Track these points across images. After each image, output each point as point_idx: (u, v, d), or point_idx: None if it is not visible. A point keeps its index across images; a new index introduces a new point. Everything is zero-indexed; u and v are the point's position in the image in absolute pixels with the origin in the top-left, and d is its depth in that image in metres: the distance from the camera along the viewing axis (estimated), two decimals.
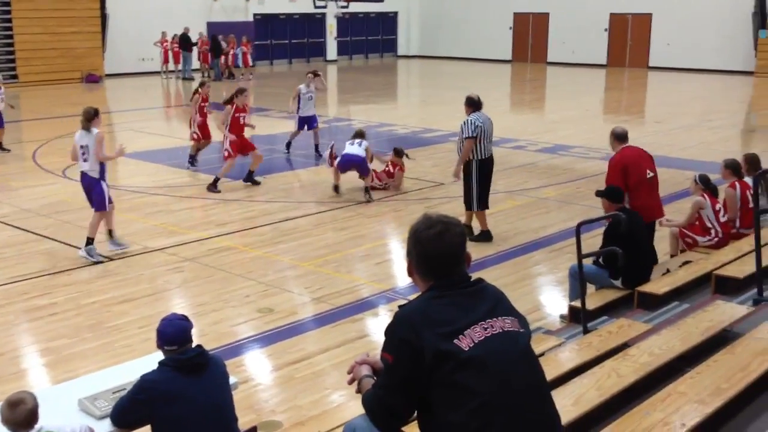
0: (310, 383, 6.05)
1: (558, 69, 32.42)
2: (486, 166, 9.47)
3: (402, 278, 8.26)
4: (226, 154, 12.36)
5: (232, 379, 4.18)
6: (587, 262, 6.76)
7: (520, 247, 9.46)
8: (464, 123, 9.32)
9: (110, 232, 9.21)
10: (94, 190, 8.89)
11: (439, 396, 2.49)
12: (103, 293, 7.91)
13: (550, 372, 4.33)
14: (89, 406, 3.95)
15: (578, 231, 6.01)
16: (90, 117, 8.80)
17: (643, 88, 27.73)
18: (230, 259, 8.98)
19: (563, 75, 30.75)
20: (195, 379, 3.78)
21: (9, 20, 26.05)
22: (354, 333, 7.01)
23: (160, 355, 3.95)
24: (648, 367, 3.93)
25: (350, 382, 2.89)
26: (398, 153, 12.60)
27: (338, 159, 11.95)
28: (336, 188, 11.94)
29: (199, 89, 13.85)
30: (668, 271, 7.01)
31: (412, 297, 2.74)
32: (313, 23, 35.46)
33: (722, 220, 7.75)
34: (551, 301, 7.84)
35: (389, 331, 2.59)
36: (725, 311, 4.70)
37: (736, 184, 7.89)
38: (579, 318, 5.89)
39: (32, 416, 3.55)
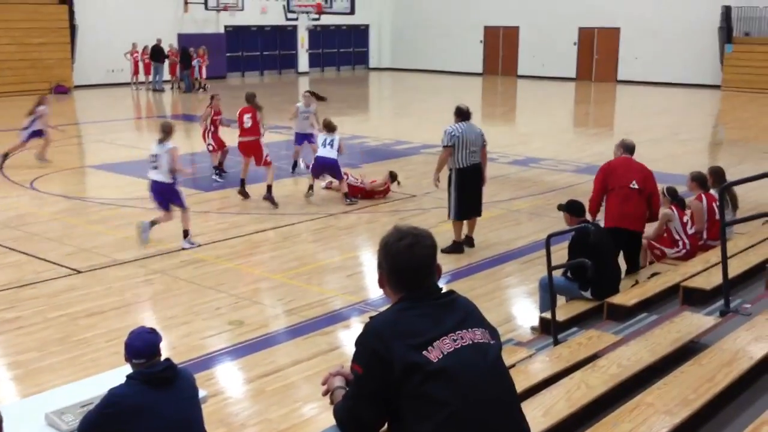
0: (281, 396, 6.02)
1: (528, 82, 32.72)
2: (465, 176, 9.46)
3: (374, 290, 8.26)
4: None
5: (201, 393, 4.14)
6: (557, 273, 6.82)
7: (492, 259, 9.51)
8: (444, 132, 9.50)
9: (185, 232, 9.96)
10: (174, 194, 9.80)
11: (408, 407, 2.49)
12: (70, 306, 7.81)
13: (521, 383, 4.35)
14: (56, 421, 3.90)
15: (548, 243, 6.06)
16: (167, 131, 9.68)
17: (611, 102, 28.07)
18: (201, 271, 8.92)
19: (533, 88, 31.04)
20: (164, 392, 3.74)
21: None
22: (325, 345, 6.99)
23: (128, 369, 3.90)
24: (617, 379, 3.96)
25: (324, 394, 2.89)
26: (393, 177, 12.63)
27: (312, 163, 12.16)
28: (311, 188, 12.37)
29: (211, 102, 13.91)
30: (637, 282, 7.08)
31: (384, 309, 2.74)
32: (284, 35, 35.46)
33: (690, 232, 7.85)
34: (522, 312, 7.88)
35: (359, 343, 2.59)
36: (693, 322, 4.75)
37: (703, 196, 8.01)
38: (549, 329, 5.92)
39: None
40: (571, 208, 7.06)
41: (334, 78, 35.84)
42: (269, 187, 11.97)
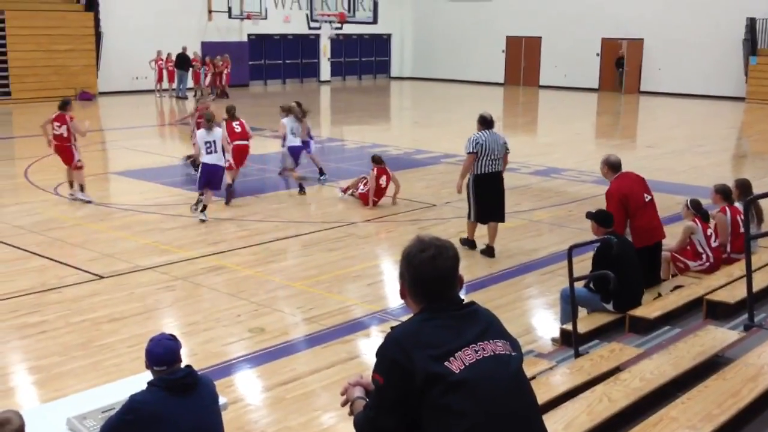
0: (301, 404, 6.01)
1: (550, 92, 32.62)
2: (485, 182, 9.65)
3: (394, 299, 8.25)
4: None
5: (221, 400, 4.15)
6: (579, 285, 6.78)
7: (513, 269, 9.46)
8: (468, 139, 9.69)
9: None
10: (221, 175, 11.69)
11: (429, 418, 2.48)
12: (93, 311, 7.86)
13: (542, 396, 4.32)
14: (78, 426, 3.92)
15: (570, 254, 6.02)
16: (211, 119, 11.61)
17: (634, 113, 27.91)
18: (221, 278, 8.95)
19: (555, 98, 30.94)
20: (184, 399, 3.75)
21: (3, 37, 26.07)
22: (345, 354, 6.98)
23: (149, 375, 3.92)
24: (639, 392, 3.92)
25: (343, 404, 2.89)
26: (376, 160, 12.63)
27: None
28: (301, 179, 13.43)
29: (197, 105, 14.37)
30: (660, 295, 7.02)
31: (404, 318, 2.74)
32: (307, 44, 35.62)
33: (713, 245, 7.77)
34: (543, 323, 7.84)
35: (380, 353, 2.59)
36: (716, 336, 4.70)
37: (727, 209, 7.93)
38: (570, 341, 5.88)
39: None
40: (600, 218, 6.98)
41: (355, 87, 35.93)
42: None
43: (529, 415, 2.60)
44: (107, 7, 28.28)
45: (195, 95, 28.56)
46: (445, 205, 12.51)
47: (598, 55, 32.79)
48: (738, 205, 7.88)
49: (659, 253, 7.70)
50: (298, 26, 34.40)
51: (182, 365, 3.91)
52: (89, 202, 12.31)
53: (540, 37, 34.44)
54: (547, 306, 8.25)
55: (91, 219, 11.57)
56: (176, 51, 28.52)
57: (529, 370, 5.27)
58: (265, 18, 32.64)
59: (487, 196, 9.71)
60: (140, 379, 4.09)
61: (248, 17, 32.13)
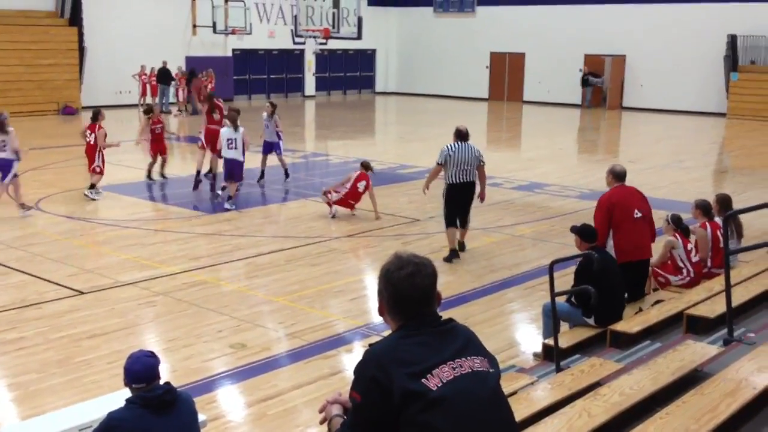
0: (282, 420, 5.98)
1: (534, 108, 32.81)
2: (454, 191, 10.23)
3: (376, 314, 8.20)
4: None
5: (201, 417, 4.13)
6: (561, 300, 6.80)
7: (495, 284, 9.48)
8: (440, 149, 10.26)
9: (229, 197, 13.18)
10: (241, 169, 13.28)
11: None
12: (72, 327, 7.80)
13: (523, 411, 4.32)
14: None
15: (551, 269, 6.05)
16: (235, 119, 13.09)
17: (617, 128, 28.12)
18: (203, 293, 8.91)
19: (539, 114, 31.12)
20: (163, 417, 3.73)
21: None
22: (327, 369, 6.96)
23: (128, 392, 3.89)
24: (619, 407, 3.93)
25: (322, 422, 2.87)
26: (366, 167, 12.75)
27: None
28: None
29: (151, 115, 15.37)
30: (641, 309, 7.05)
31: (386, 333, 2.74)
32: (292, 59, 35.68)
33: (694, 260, 7.82)
34: (525, 338, 7.84)
35: (358, 370, 2.58)
36: (696, 351, 4.72)
37: (707, 224, 7.99)
38: (552, 356, 5.89)
39: None
40: (583, 233, 7.00)
41: (340, 102, 35.99)
42: None
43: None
44: (91, 22, 28.22)
45: (179, 110, 28.53)
46: (429, 220, 12.53)
47: (581, 71, 33.04)
48: (718, 220, 7.94)
49: (646, 269, 7.70)
50: (282, 41, 34.46)
51: (161, 382, 3.88)
52: (93, 199, 13.67)
53: (524, 53, 34.68)
54: (529, 321, 8.26)
55: (72, 234, 11.49)
56: (160, 66, 28.49)
57: (510, 385, 5.28)
58: (250, 33, 32.68)
59: (454, 204, 10.28)
60: (119, 396, 4.06)
61: (233, 32, 32.15)
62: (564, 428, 3.72)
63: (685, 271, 7.79)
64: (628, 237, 7.39)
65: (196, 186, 14.55)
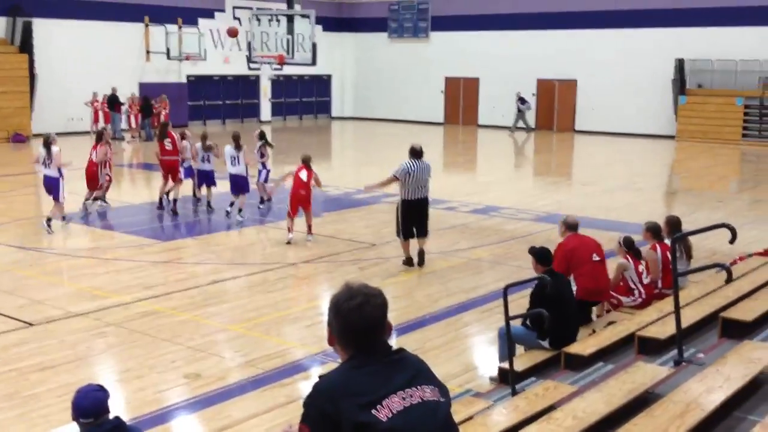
0: None
1: (489, 132, 33.16)
2: (411, 207, 10.80)
3: None
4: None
5: None
6: (516, 323, 6.84)
7: (452, 308, 9.50)
8: (400, 165, 10.79)
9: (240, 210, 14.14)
10: (247, 183, 14.29)
11: None
12: (21, 360, 7.61)
13: None
14: None
15: (506, 293, 6.09)
16: (238, 138, 14.34)
17: (570, 151, 28.54)
18: (156, 323, 8.77)
19: (493, 137, 31.46)
20: None
21: None
22: (283, 398, 6.89)
23: (77, 427, 3.81)
24: (572, 431, 3.96)
25: None
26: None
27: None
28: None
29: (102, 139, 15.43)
30: (594, 331, 7.13)
31: (334, 367, 2.72)
32: (247, 84, 35.60)
33: (645, 281, 7.95)
34: (482, 362, 7.86)
35: (307, 403, 2.56)
36: (647, 373, 4.78)
37: (657, 246, 8.14)
38: (508, 379, 5.91)
39: None
40: (539, 255, 7.08)
41: (296, 127, 35.96)
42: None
43: None
44: (42, 49, 27.84)
45: (132, 136, 28.25)
46: (386, 245, 12.53)
47: (534, 95, 33.53)
48: (668, 241, 8.08)
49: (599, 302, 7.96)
50: (237, 67, 34.39)
51: (111, 416, 3.81)
52: (103, 207, 15.01)
53: (478, 78, 35.08)
54: (486, 344, 8.28)
55: (21, 265, 11.25)
56: (109, 93, 28.25)
57: (466, 409, 5.29)
58: (204, 59, 32.56)
59: (412, 219, 10.85)
60: (69, 430, 3.97)
61: (187, 58, 32.02)
62: None
63: (636, 292, 7.91)
64: (588, 280, 7.64)
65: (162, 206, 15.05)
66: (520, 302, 8.31)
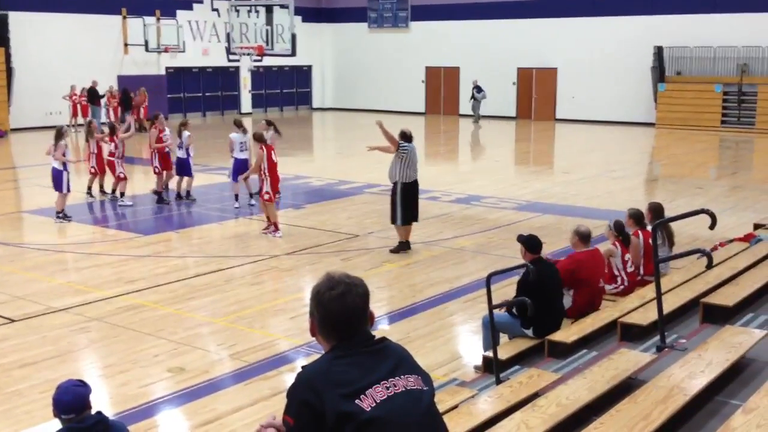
0: None
1: (470, 121, 33.18)
2: (409, 190, 11.08)
3: None
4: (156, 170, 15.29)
5: None
6: (501, 311, 6.86)
7: (436, 298, 9.51)
8: (404, 144, 11.05)
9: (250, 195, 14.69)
10: (243, 168, 14.21)
11: None
12: (3, 357, 7.55)
13: (464, 425, 4.35)
14: None
15: (488, 282, 6.11)
16: (240, 124, 14.87)
17: (550, 140, 28.63)
18: (139, 317, 8.73)
19: (474, 127, 31.47)
20: None
21: None
22: (268, 390, 6.88)
23: (60, 423, 3.78)
24: (556, 418, 3.98)
25: None
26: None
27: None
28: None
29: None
30: (577, 318, 7.15)
31: (316, 357, 2.71)
32: (227, 76, 35.40)
33: (629, 270, 7.97)
34: (467, 351, 7.88)
35: (291, 394, 2.55)
36: (630, 359, 4.81)
37: (639, 233, 8.17)
38: (492, 368, 5.93)
39: None
40: (529, 243, 7.04)
41: (277, 118, 35.70)
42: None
43: None
44: (18, 42, 27.54)
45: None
46: (368, 235, 12.53)
47: (514, 84, 33.58)
48: (651, 228, 8.12)
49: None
50: (217, 59, 34.18)
51: (94, 411, 3.78)
52: (130, 205, 14.91)
53: (458, 67, 35.07)
54: (470, 333, 8.31)
55: (1, 260, 11.15)
56: (89, 85, 28.00)
57: (451, 399, 5.31)
58: (183, 51, 32.32)
59: (410, 201, 11.13)
60: (52, 427, 3.94)
61: (166, 50, 31.77)
62: None
63: (619, 279, 7.94)
64: (588, 300, 7.29)
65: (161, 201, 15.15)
66: (504, 291, 8.35)
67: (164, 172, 15.21)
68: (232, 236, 12.78)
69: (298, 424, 2.50)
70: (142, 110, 28.85)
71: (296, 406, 2.52)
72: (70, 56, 28.77)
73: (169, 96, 33.01)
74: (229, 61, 34.05)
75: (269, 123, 15.22)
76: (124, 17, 30.65)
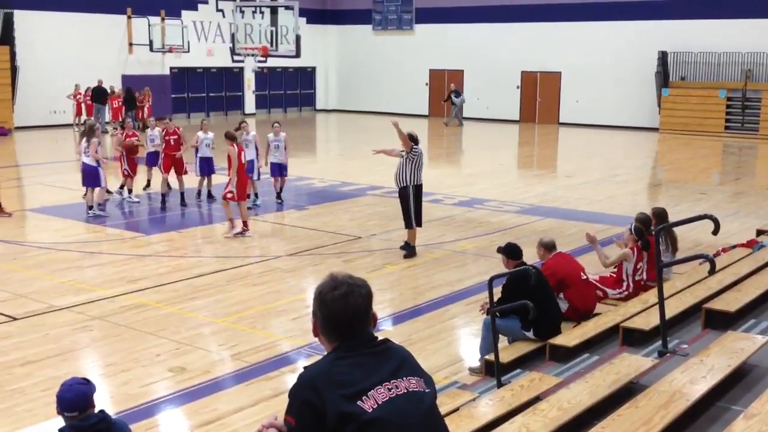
0: None
1: (473, 124, 33.19)
2: (418, 192, 11.24)
3: None
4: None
5: None
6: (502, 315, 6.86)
7: (437, 300, 9.51)
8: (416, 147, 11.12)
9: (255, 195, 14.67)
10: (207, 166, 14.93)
11: None
12: (5, 355, 7.56)
13: (464, 428, 4.35)
14: None
15: (490, 285, 6.11)
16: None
17: (553, 144, 28.62)
18: (141, 316, 8.74)
19: (478, 130, 31.49)
20: None
21: None
22: (269, 391, 6.88)
23: (62, 421, 3.79)
24: (557, 422, 3.98)
25: None
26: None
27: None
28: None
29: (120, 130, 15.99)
30: (579, 322, 7.15)
31: (318, 358, 2.72)
32: (231, 77, 35.44)
33: (638, 278, 7.95)
34: (467, 354, 7.87)
35: (292, 394, 2.56)
36: (631, 363, 4.81)
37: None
38: (493, 371, 5.93)
39: None
40: (509, 251, 7.11)
41: (281, 119, 35.77)
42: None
43: None
44: (24, 41, 27.59)
45: (115, 128, 28.04)
46: (371, 237, 12.53)
47: (518, 87, 33.58)
48: (654, 233, 8.11)
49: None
50: (221, 59, 34.23)
51: (96, 410, 3.79)
52: (136, 202, 15.10)
53: (462, 70, 35.09)
54: (472, 336, 8.29)
55: (3, 258, 11.17)
56: (95, 84, 28.02)
57: (452, 401, 5.31)
58: (188, 51, 32.37)
59: (418, 203, 11.28)
60: (53, 425, 3.95)
61: (170, 50, 31.82)
62: None
63: (625, 284, 7.93)
64: (579, 298, 7.35)
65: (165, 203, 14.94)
66: None
67: (152, 172, 15.61)
68: (234, 237, 12.77)
69: (299, 425, 2.50)
70: (146, 110, 28.89)
71: (298, 406, 2.52)
72: (75, 55, 28.82)
73: (173, 96, 33.05)
74: (234, 61, 34.09)
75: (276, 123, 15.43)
76: (129, 17, 30.71)
